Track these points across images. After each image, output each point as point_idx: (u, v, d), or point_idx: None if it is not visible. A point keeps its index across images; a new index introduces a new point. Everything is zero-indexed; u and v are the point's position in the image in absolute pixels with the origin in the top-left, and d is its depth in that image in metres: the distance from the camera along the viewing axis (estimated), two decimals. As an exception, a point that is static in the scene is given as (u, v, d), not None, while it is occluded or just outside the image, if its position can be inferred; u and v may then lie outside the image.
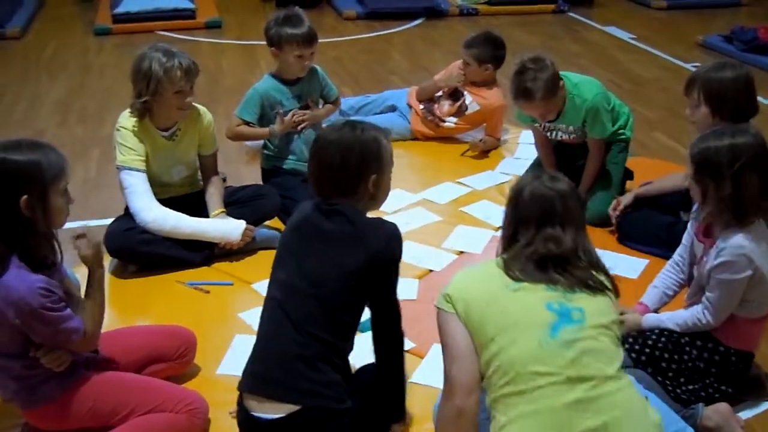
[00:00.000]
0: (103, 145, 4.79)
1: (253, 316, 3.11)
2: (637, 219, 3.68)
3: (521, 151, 4.75)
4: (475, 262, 3.48)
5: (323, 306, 2.23)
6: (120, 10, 7.72)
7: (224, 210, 3.50)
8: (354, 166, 2.27)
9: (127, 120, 3.32)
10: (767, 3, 9.06)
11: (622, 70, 6.60)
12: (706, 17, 8.37)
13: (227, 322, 3.12)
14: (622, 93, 5.97)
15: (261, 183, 3.95)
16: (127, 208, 3.41)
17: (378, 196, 2.36)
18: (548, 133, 4.00)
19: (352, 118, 4.01)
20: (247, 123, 3.76)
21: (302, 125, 3.80)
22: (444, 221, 3.90)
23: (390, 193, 4.00)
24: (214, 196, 3.55)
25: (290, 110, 3.79)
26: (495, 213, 3.97)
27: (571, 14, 8.54)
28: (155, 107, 3.28)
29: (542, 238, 2.10)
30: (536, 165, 4.17)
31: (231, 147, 4.35)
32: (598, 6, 8.91)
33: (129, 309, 3.21)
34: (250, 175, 4.27)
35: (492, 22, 8.16)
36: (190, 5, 7.94)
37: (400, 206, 4.02)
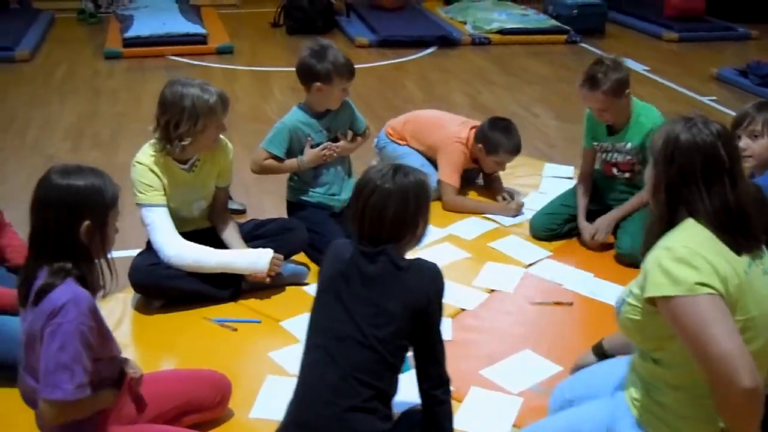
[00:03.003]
0: (118, 172, 4.63)
1: (284, 356, 3.03)
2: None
3: (545, 185, 4.68)
4: (507, 301, 3.44)
5: (372, 351, 2.17)
6: (130, 33, 7.67)
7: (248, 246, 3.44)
8: (411, 215, 2.24)
9: (146, 156, 3.25)
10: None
11: (640, 103, 6.55)
12: (717, 50, 8.36)
13: (257, 361, 3.02)
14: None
15: (285, 216, 3.87)
16: (149, 242, 3.32)
17: (423, 237, 2.33)
18: (604, 154, 3.95)
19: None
20: (275, 157, 3.68)
21: (331, 158, 3.73)
22: (473, 258, 3.82)
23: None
24: (234, 236, 3.46)
25: (320, 143, 3.72)
26: (524, 249, 3.90)
27: (583, 45, 8.52)
28: (191, 143, 3.20)
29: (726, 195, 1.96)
30: (562, 198, 4.10)
31: (251, 178, 4.27)
32: (609, 37, 8.91)
33: (154, 346, 3.12)
34: (273, 206, 4.20)
35: (504, 51, 8.15)
36: (202, 30, 7.90)
37: (426, 242, 3.91)
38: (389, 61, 7.65)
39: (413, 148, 4.50)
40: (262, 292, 3.45)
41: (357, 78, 7.35)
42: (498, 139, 4.17)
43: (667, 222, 2.05)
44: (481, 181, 4.62)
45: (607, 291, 3.54)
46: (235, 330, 3.21)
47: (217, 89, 3.23)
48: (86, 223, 2.13)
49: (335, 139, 3.77)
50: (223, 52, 7.74)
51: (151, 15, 8.36)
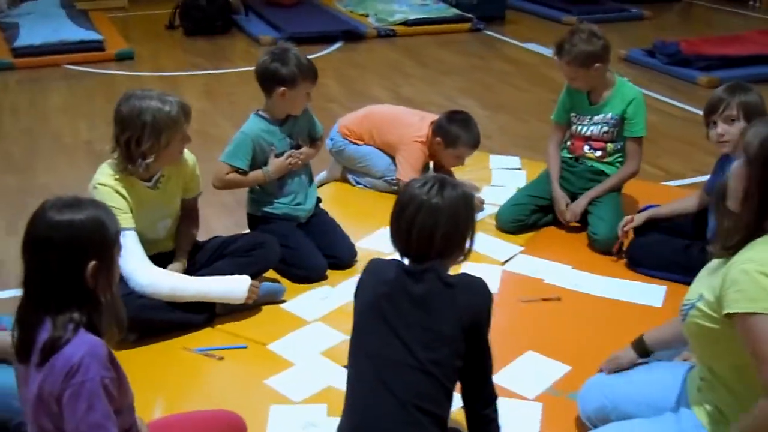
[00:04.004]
0: (43, 195, 4.34)
1: (282, 383, 2.84)
2: (648, 244, 3.59)
3: (497, 177, 4.62)
4: (495, 302, 3.33)
5: (428, 376, 2.04)
6: (20, 43, 7.18)
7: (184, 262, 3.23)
8: (461, 230, 2.13)
9: (107, 176, 2.99)
10: (667, 15, 9.37)
11: (560, 89, 6.56)
12: (616, 31, 8.48)
13: (255, 391, 2.82)
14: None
15: (246, 231, 3.66)
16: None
17: (470, 251, 2.20)
18: (579, 127, 3.94)
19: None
20: (239, 170, 3.45)
21: (297, 166, 3.54)
22: (447, 258, 3.70)
23: (380, 231, 3.92)
24: (183, 242, 3.27)
25: (283, 151, 3.51)
26: (495, 246, 3.83)
27: (487, 32, 8.54)
28: (156, 159, 2.96)
29: None
30: (528, 189, 4.05)
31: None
32: (510, 23, 8.97)
33: (139, 386, 2.74)
34: (220, 224, 3.96)
35: (412, 42, 8.08)
36: (98, 36, 7.48)
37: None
38: (298, 59, 7.43)
39: (373, 146, 4.34)
40: (239, 314, 3.23)
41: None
42: (456, 132, 4.07)
43: (753, 230, 1.99)
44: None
45: (590, 283, 3.51)
46: (222, 359, 2.98)
47: (176, 98, 3.01)
48: (92, 263, 1.88)
49: (297, 146, 3.58)
50: (124, 58, 7.34)
51: (38, 22, 7.85)
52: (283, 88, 3.40)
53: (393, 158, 4.32)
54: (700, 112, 5.83)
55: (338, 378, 2.85)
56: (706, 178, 4.78)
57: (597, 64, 3.78)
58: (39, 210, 1.90)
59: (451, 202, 2.08)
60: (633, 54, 7.31)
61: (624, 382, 2.46)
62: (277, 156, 3.49)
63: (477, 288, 2.11)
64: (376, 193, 4.38)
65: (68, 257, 1.86)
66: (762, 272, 1.90)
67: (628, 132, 3.85)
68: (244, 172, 3.47)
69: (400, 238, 2.14)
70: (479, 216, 4.13)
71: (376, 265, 2.20)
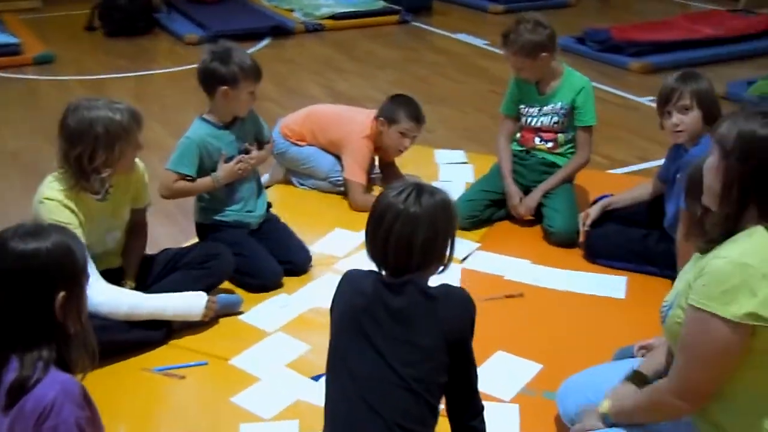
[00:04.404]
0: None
1: (248, 400, 2.73)
2: (605, 235, 3.58)
3: (444, 173, 4.56)
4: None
5: (412, 394, 1.95)
6: (-71, 51, 6.80)
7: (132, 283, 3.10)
8: (441, 240, 2.01)
9: (53, 190, 2.82)
10: (588, 2, 9.47)
11: (496, 79, 6.57)
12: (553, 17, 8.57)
13: (222, 411, 2.69)
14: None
15: (194, 240, 3.53)
16: None
17: (450, 261, 2.09)
18: (529, 119, 3.91)
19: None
20: (186, 177, 3.31)
21: (247, 171, 3.41)
22: (404, 259, 3.62)
23: (332, 234, 3.82)
24: (133, 259, 3.13)
25: (232, 156, 3.38)
26: (451, 243, 3.76)
27: (415, 24, 8.47)
28: (111, 171, 2.82)
29: None
30: (481, 184, 4.00)
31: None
32: (438, 14, 8.91)
33: (101, 412, 2.67)
34: (164, 234, 3.80)
35: (341, 37, 7.96)
36: (13, 39, 7.14)
37: (349, 249, 3.71)
38: (227, 57, 7.25)
39: (316, 147, 4.23)
40: (196, 328, 3.10)
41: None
42: (398, 108, 4.02)
43: (733, 224, 1.96)
44: (377, 174, 4.40)
45: (551, 277, 3.48)
46: (183, 377, 2.85)
47: (125, 105, 2.87)
48: (61, 294, 1.75)
49: (246, 151, 3.45)
50: (43, 61, 7.00)
51: (-53, 27, 7.46)
52: (224, 88, 3.27)
53: (337, 157, 4.23)
54: (635, 98, 6.06)
55: (306, 391, 2.77)
56: (649, 164, 4.88)
57: (543, 54, 3.76)
58: None
59: (430, 209, 1.98)
60: (563, 41, 7.30)
61: (605, 380, 2.41)
62: (227, 161, 3.36)
63: (459, 300, 2.02)
64: (322, 194, 4.28)
65: (35, 290, 1.74)
66: (730, 272, 1.87)
67: (578, 121, 3.84)
68: (191, 179, 3.32)
69: (376, 249, 2.03)
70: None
71: (353, 277, 2.11)
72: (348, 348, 2.01)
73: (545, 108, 3.88)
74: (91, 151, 2.76)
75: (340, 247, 3.72)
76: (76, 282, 1.80)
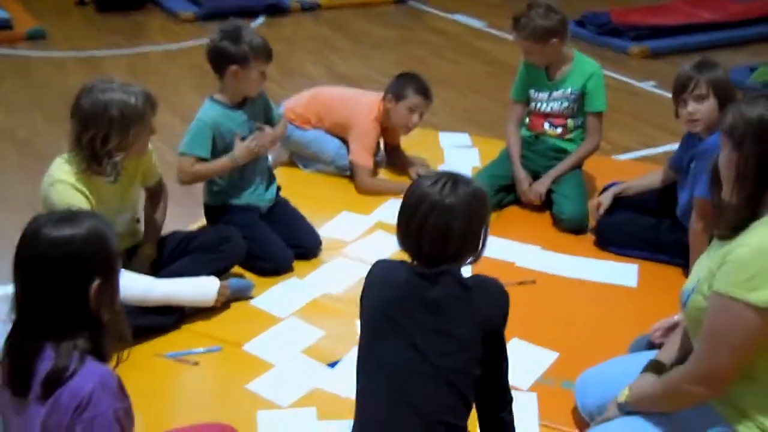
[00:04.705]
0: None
1: (264, 386, 2.71)
2: (617, 223, 3.56)
3: (450, 156, 4.52)
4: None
5: (449, 386, 1.93)
6: None
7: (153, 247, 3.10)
8: (476, 230, 2.00)
9: (64, 173, 2.77)
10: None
11: (495, 61, 6.55)
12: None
13: (238, 398, 2.66)
14: (509, 85, 5.93)
15: (201, 222, 3.49)
16: None
17: (483, 250, 2.07)
18: (538, 104, 3.89)
19: None
20: (202, 159, 3.26)
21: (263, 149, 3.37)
22: (414, 244, 3.60)
23: (339, 217, 3.79)
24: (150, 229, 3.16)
25: (245, 137, 3.33)
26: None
27: (411, 3, 8.40)
28: (124, 155, 2.78)
29: None
30: (489, 169, 3.97)
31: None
32: (438, -7, 8.84)
33: None
34: (170, 215, 3.74)
35: (337, 16, 7.90)
36: (4, 14, 7.01)
37: (358, 233, 3.68)
38: (222, 35, 7.15)
39: (321, 130, 4.19)
40: (207, 313, 3.06)
41: (198, 57, 6.86)
42: (406, 83, 3.99)
43: (753, 210, 1.96)
44: (382, 158, 4.36)
45: (562, 264, 3.47)
46: (197, 363, 2.81)
47: (140, 88, 2.82)
48: (96, 281, 1.72)
49: (259, 129, 3.40)
50: (35, 37, 6.90)
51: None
52: (235, 67, 3.22)
53: (343, 140, 4.18)
54: (636, 83, 6.04)
55: (323, 378, 2.75)
56: (653, 150, 4.87)
57: (554, 39, 3.73)
58: (31, 227, 1.73)
59: (466, 200, 1.95)
60: (562, 24, 7.30)
61: (624, 373, 2.39)
62: (242, 140, 3.31)
63: (495, 291, 2.00)
64: (328, 176, 4.24)
65: (70, 277, 1.70)
66: (754, 259, 1.89)
67: (588, 107, 3.81)
68: (206, 161, 3.28)
69: (410, 240, 2.00)
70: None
71: (383, 268, 2.07)
72: (380, 340, 1.98)
73: (555, 93, 3.85)
74: (104, 134, 2.71)
75: (348, 231, 3.68)
76: (111, 269, 1.76)
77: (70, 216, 1.75)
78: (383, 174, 4.28)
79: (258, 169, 3.42)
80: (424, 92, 4.00)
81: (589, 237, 3.68)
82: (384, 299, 2.00)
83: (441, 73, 6.13)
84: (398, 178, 4.23)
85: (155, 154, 3.11)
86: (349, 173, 4.16)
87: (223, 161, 3.29)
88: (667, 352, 2.34)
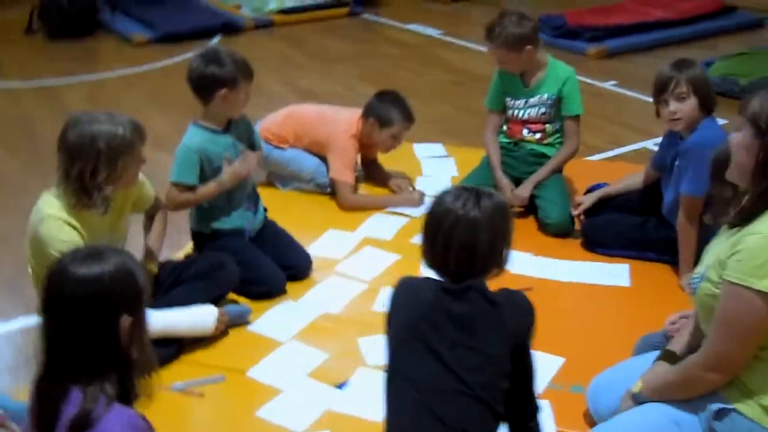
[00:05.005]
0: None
1: (275, 412, 2.67)
2: (604, 224, 3.60)
3: (427, 167, 4.53)
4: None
5: (480, 403, 1.92)
6: None
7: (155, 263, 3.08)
8: (501, 244, 2.00)
9: (53, 208, 2.70)
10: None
11: (457, 70, 6.58)
12: (494, 4, 8.58)
13: (250, 427, 2.62)
14: (475, 94, 5.95)
15: (188, 249, 3.45)
16: None
17: (507, 263, 2.07)
18: (515, 111, 3.91)
19: None
20: (191, 187, 3.22)
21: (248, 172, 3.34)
22: (405, 259, 3.57)
23: (326, 236, 3.76)
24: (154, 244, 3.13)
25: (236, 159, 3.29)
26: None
27: (365, 16, 8.41)
28: (114, 187, 2.72)
29: None
30: (473, 178, 3.97)
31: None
32: (385, 5, 8.85)
33: None
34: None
35: (292, 32, 7.86)
36: (-48, 46, 6.85)
37: (346, 250, 3.66)
38: (179, 58, 7.03)
39: (299, 149, 4.16)
40: (205, 341, 3.01)
41: (157, 81, 6.77)
42: (391, 110, 3.98)
43: (767, 198, 1.99)
44: (359, 172, 4.34)
45: (555, 269, 3.49)
46: (202, 395, 2.76)
47: (127, 117, 2.75)
48: (126, 319, 1.68)
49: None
50: (-13, 68, 6.75)
51: None
52: (224, 90, 3.18)
53: (321, 158, 4.16)
54: (598, 84, 6.11)
55: (334, 400, 2.72)
56: (623, 149, 4.93)
57: (528, 47, 3.76)
58: (56, 266, 1.69)
59: (489, 213, 1.96)
60: (517, 29, 7.36)
61: (635, 376, 2.40)
62: (231, 161, 3.27)
63: (522, 305, 2.01)
64: (308, 194, 4.21)
65: (100, 316, 1.66)
66: (765, 247, 1.94)
67: (565, 111, 3.85)
68: (195, 188, 3.23)
69: (436, 256, 2.00)
70: (423, 209, 4.01)
71: (409, 286, 2.07)
72: (409, 357, 1.97)
73: (531, 100, 3.88)
74: (93, 167, 2.65)
75: (337, 249, 3.66)
76: (140, 305, 1.72)
77: (96, 253, 1.70)
78: (362, 189, 4.26)
79: (245, 192, 3.38)
80: (409, 118, 4.02)
81: (576, 240, 3.70)
82: (412, 316, 1.99)
83: (406, 84, 6.11)
84: (378, 191, 4.23)
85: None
86: (329, 190, 4.14)
87: (210, 187, 3.24)
88: (679, 342, 2.37)
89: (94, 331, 1.66)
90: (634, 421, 2.22)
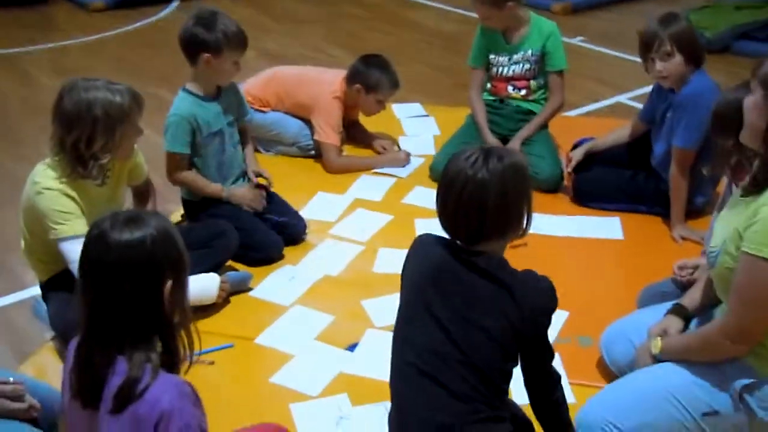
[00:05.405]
0: None
1: (289, 378, 2.67)
2: (594, 178, 3.63)
3: (409, 127, 4.52)
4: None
5: (478, 374, 1.87)
6: None
7: None
8: (513, 205, 1.91)
9: (50, 179, 2.63)
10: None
11: (426, 30, 6.56)
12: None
13: (265, 393, 2.61)
14: (446, 53, 5.94)
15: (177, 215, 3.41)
16: (60, 281, 2.75)
17: (528, 227, 2.00)
18: (499, 68, 3.90)
19: None
20: (186, 158, 3.19)
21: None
22: (398, 219, 3.58)
23: (315, 199, 3.73)
24: None
25: (219, 129, 3.26)
26: (439, 199, 3.75)
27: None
28: (110, 157, 2.65)
29: None
30: (460, 137, 3.96)
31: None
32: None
33: None
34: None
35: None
36: None
37: (338, 212, 3.64)
38: (139, 23, 6.90)
39: (281, 112, 4.11)
40: (208, 309, 2.97)
41: (120, 48, 6.58)
42: (377, 75, 3.96)
43: None
44: (341, 133, 4.30)
45: (547, 224, 3.50)
46: (212, 363, 2.74)
47: (125, 86, 2.67)
48: (168, 282, 1.65)
49: (259, 185, 3.41)
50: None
51: None
52: (207, 55, 3.11)
53: (304, 120, 4.12)
54: (567, 40, 6.09)
55: (345, 362, 2.73)
56: (599, 104, 4.98)
57: (510, 3, 3.74)
58: (95, 232, 1.64)
59: (499, 174, 1.87)
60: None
61: (648, 324, 2.44)
62: (215, 135, 3.23)
63: (537, 293, 1.89)
64: (292, 158, 4.17)
65: (145, 281, 1.63)
66: None
67: (550, 66, 3.86)
68: (187, 158, 3.19)
69: (447, 216, 1.94)
70: (409, 169, 4.03)
71: (424, 244, 2.03)
72: (411, 317, 1.95)
73: (515, 56, 3.87)
74: (89, 135, 2.57)
75: (329, 212, 3.64)
76: (182, 268, 1.69)
77: (136, 217, 1.66)
78: (346, 150, 4.23)
79: (236, 162, 3.35)
80: (396, 84, 4.01)
81: (565, 195, 3.73)
82: (420, 275, 1.96)
83: (377, 45, 6.03)
84: (362, 153, 4.20)
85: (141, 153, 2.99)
86: (313, 153, 4.10)
87: (214, 188, 3.26)
88: (691, 297, 2.40)
89: (139, 297, 1.62)
90: (655, 378, 2.23)
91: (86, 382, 1.66)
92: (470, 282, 1.89)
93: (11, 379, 2.05)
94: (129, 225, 1.63)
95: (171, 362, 1.70)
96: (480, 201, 1.87)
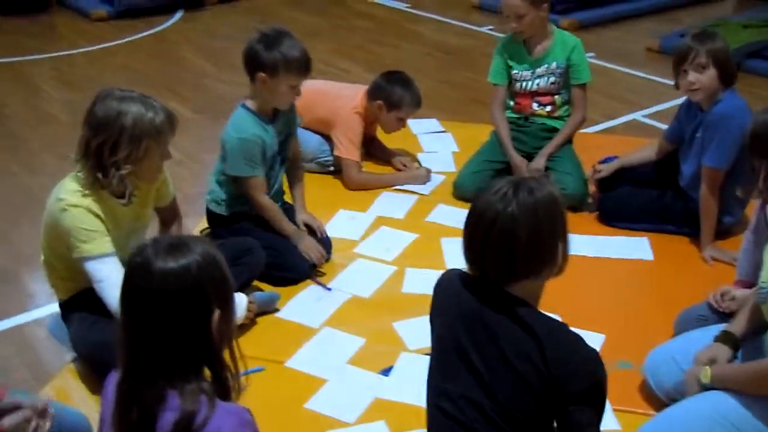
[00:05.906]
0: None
1: (323, 404, 2.60)
2: (621, 197, 3.60)
3: (427, 143, 4.46)
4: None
5: (511, 427, 1.79)
6: None
7: None
8: (546, 241, 1.78)
9: (75, 195, 2.56)
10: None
11: (430, 43, 6.52)
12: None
13: (301, 419, 2.54)
14: (453, 67, 5.90)
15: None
16: (81, 300, 2.70)
17: (564, 263, 1.86)
18: (523, 83, 3.85)
19: None
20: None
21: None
22: (423, 237, 3.53)
23: (337, 216, 3.67)
24: None
25: (273, 153, 3.23)
26: (464, 216, 3.68)
27: (332, -12, 8.26)
28: (131, 171, 2.59)
29: None
30: (483, 155, 3.91)
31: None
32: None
33: None
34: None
35: (259, 5, 7.67)
36: None
37: (362, 230, 3.58)
38: (144, 33, 6.82)
39: (300, 127, 4.04)
40: (237, 331, 2.90)
41: (125, 57, 6.49)
42: (400, 92, 3.90)
43: None
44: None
45: (576, 244, 3.29)
46: (245, 387, 2.66)
47: (162, 105, 2.61)
48: (216, 311, 1.58)
49: (313, 266, 3.28)
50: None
51: None
52: (263, 74, 3.05)
53: (324, 136, 4.06)
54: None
55: (381, 388, 2.66)
56: (615, 122, 4.94)
57: (545, 4, 3.70)
58: (137, 261, 1.57)
59: (530, 208, 1.75)
60: (485, 2, 7.31)
61: (695, 349, 2.39)
62: (272, 158, 3.22)
63: (573, 350, 1.80)
64: (311, 174, 4.09)
65: (192, 310, 1.56)
66: None
67: (574, 79, 3.81)
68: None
69: (474, 254, 1.82)
70: (430, 186, 3.98)
71: (447, 282, 1.95)
72: (445, 363, 1.87)
73: (538, 70, 3.83)
74: (114, 141, 2.50)
75: (352, 230, 3.58)
76: (229, 296, 1.63)
77: (179, 243, 1.59)
78: (365, 167, 4.17)
79: (277, 181, 3.32)
80: (419, 102, 3.96)
81: (591, 214, 3.69)
82: (452, 319, 1.87)
83: (386, 59, 6.05)
84: (381, 169, 4.15)
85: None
86: (332, 169, 4.04)
87: (288, 227, 3.27)
88: (738, 324, 2.36)
89: (187, 327, 1.55)
90: (706, 408, 2.19)
91: (134, 420, 1.57)
92: (496, 322, 1.79)
93: (52, 412, 1.95)
94: (173, 252, 1.56)
95: (222, 390, 1.63)
96: (509, 239, 1.75)
